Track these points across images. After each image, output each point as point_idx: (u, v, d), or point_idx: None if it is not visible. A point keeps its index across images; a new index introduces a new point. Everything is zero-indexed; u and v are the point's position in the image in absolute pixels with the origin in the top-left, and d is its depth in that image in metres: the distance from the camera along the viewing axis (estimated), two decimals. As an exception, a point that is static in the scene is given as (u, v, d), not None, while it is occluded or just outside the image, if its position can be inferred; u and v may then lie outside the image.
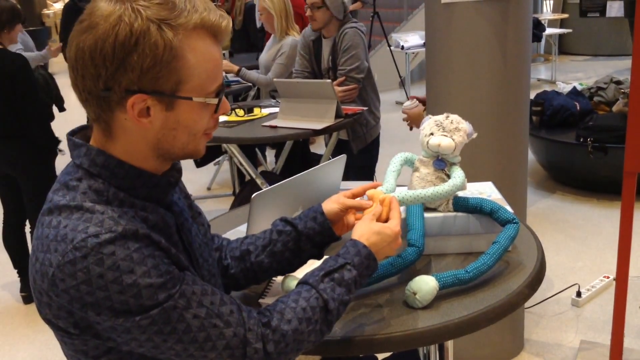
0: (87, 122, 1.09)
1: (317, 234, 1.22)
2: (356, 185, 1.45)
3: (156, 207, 1.02)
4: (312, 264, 1.39)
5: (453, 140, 1.39)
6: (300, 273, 1.34)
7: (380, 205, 1.19)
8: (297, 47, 3.70)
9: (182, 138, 0.99)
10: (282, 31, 3.83)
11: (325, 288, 1.05)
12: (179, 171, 1.09)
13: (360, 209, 1.23)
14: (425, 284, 1.21)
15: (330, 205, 1.24)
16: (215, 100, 0.99)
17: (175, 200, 1.11)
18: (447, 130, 1.40)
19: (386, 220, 1.18)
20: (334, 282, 1.06)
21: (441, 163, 1.41)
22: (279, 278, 1.35)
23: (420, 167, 1.44)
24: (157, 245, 0.94)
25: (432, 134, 1.41)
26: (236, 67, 3.89)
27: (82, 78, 0.95)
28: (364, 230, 1.14)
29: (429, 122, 1.43)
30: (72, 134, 1.04)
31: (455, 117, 1.42)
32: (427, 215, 1.42)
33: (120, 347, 0.95)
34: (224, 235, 1.35)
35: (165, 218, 1.03)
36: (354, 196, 1.26)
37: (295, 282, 1.22)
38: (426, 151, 1.43)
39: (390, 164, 1.46)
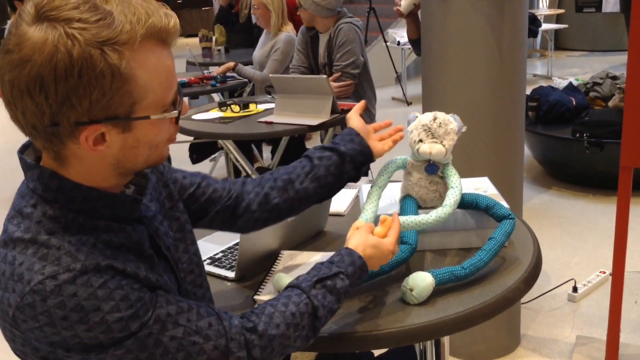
0: None
1: (359, 153, 1.28)
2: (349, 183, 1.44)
3: (122, 226, 0.95)
4: (311, 258, 1.39)
5: (444, 146, 1.35)
6: (296, 273, 1.34)
7: (379, 225, 1.18)
8: (293, 42, 3.70)
9: (143, 153, 0.92)
10: (277, 27, 3.83)
11: (317, 295, 1.04)
12: (144, 176, 1.04)
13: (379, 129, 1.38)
14: (421, 280, 1.21)
15: (355, 122, 1.33)
16: (175, 113, 0.92)
17: (147, 204, 1.05)
18: (437, 136, 1.35)
19: (384, 236, 1.17)
20: (326, 289, 1.05)
21: (434, 167, 1.38)
22: (275, 275, 1.35)
23: (412, 171, 1.41)
24: (123, 273, 0.88)
25: (421, 140, 1.36)
26: (232, 64, 3.88)
27: (22, 115, 0.85)
28: (360, 241, 1.13)
29: (417, 126, 1.37)
30: (22, 150, 0.95)
31: (443, 118, 1.36)
32: (421, 212, 1.41)
33: None
34: (216, 233, 1.33)
35: (132, 236, 0.96)
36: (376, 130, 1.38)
37: (287, 282, 1.21)
38: (416, 156, 1.40)
39: (379, 174, 1.41)
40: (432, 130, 1.35)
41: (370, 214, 1.32)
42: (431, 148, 1.34)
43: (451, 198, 1.33)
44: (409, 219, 1.29)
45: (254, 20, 5.66)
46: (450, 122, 1.36)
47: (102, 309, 0.84)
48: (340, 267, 1.08)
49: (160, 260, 1.02)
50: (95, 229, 0.91)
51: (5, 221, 0.92)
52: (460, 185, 1.36)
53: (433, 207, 1.42)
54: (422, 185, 1.40)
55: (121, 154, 0.90)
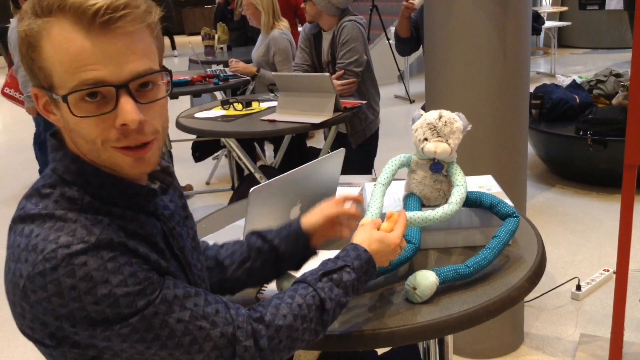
0: None
1: (298, 255, 1.22)
2: (354, 180, 1.44)
3: (136, 214, 0.95)
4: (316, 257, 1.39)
5: (449, 144, 1.34)
6: (298, 273, 1.34)
7: (384, 220, 1.19)
8: (286, 37, 3.69)
9: (83, 145, 0.90)
10: (269, 26, 3.82)
11: (323, 287, 1.04)
12: (171, 175, 1.05)
13: (346, 215, 1.24)
14: (425, 279, 1.20)
15: (312, 220, 1.23)
16: (66, 104, 0.85)
17: (167, 203, 1.06)
18: (442, 135, 1.34)
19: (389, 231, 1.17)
20: (332, 282, 1.05)
21: (438, 166, 1.38)
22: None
23: (416, 169, 1.41)
24: (134, 253, 0.88)
25: (426, 139, 1.35)
26: (254, 68, 3.85)
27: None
28: (365, 237, 1.13)
29: (422, 125, 1.37)
30: (53, 134, 0.98)
31: (448, 117, 1.35)
32: (425, 209, 1.41)
33: (101, 354, 0.90)
34: (221, 231, 1.33)
35: (146, 226, 0.96)
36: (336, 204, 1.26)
37: (291, 282, 1.21)
38: (421, 155, 1.39)
39: (383, 171, 1.42)
40: (438, 128, 1.34)
41: (375, 211, 1.32)
42: (436, 147, 1.33)
43: (457, 195, 1.32)
44: (416, 215, 1.29)
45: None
46: (456, 121, 1.35)
47: (110, 281, 0.84)
48: (345, 261, 1.07)
49: (172, 259, 1.01)
50: (110, 214, 0.92)
51: (23, 199, 0.93)
52: (466, 184, 1.35)
53: (437, 206, 1.42)
54: (427, 184, 1.39)
55: (71, 137, 0.91)
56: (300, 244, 1.21)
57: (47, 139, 0.96)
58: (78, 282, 0.83)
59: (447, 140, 1.34)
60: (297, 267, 1.25)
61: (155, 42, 0.92)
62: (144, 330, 0.87)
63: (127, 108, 0.85)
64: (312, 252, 1.24)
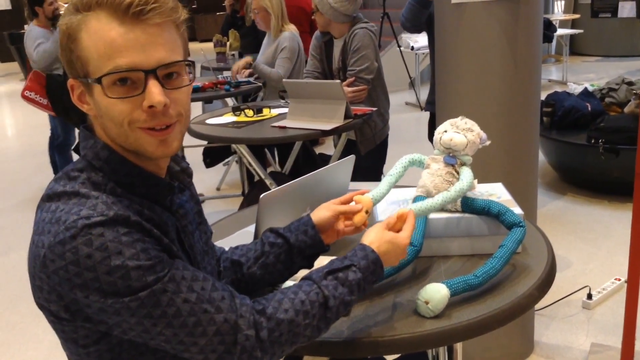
0: None
1: (309, 247, 1.24)
2: (363, 187, 1.44)
3: (153, 205, 1.02)
4: (325, 261, 1.39)
5: (465, 137, 1.42)
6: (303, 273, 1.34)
7: (395, 217, 1.20)
8: (297, 40, 3.70)
9: (112, 129, 0.97)
10: (278, 29, 3.84)
11: (328, 285, 1.05)
12: (189, 175, 1.10)
13: (351, 214, 1.27)
14: (436, 293, 1.19)
15: (321, 213, 1.26)
16: (101, 84, 0.94)
17: (183, 203, 1.10)
18: (461, 129, 1.43)
19: (398, 231, 1.18)
20: (337, 280, 1.06)
21: (452, 159, 1.43)
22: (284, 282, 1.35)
23: (431, 163, 1.46)
24: (148, 232, 0.94)
25: (445, 131, 1.45)
26: (249, 58, 3.87)
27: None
28: (374, 237, 1.14)
29: (444, 124, 1.47)
30: (84, 126, 1.05)
31: (469, 120, 1.46)
32: (432, 216, 1.41)
33: (111, 331, 0.95)
34: (231, 236, 1.34)
35: (161, 216, 1.02)
36: (342, 203, 1.29)
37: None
38: (439, 149, 1.46)
39: (394, 166, 1.47)
40: (457, 124, 1.45)
41: (377, 193, 1.37)
42: (453, 136, 1.42)
43: (457, 185, 1.38)
44: (418, 205, 1.34)
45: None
46: (476, 126, 1.45)
47: (123, 253, 0.89)
48: (352, 261, 1.08)
49: (182, 253, 1.05)
50: (131, 201, 0.98)
51: (52, 181, 1.00)
52: (471, 182, 1.38)
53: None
54: (439, 175, 1.43)
55: (102, 123, 0.98)
56: (309, 235, 1.24)
57: (80, 130, 1.04)
58: (94, 251, 0.88)
59: (464, 134, 1.42)
60: (309, 263, 1.27)
61: (181, 39, 1.01)
62: (152, 305, 0.91)
63: (155, 91, 0.94)
64: (323, 248, 1.26)
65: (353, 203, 1.29)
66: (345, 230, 1.29)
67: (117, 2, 0.92)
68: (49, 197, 0.96)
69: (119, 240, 0.90)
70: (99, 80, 0.93)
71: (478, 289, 1.27)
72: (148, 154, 0.99)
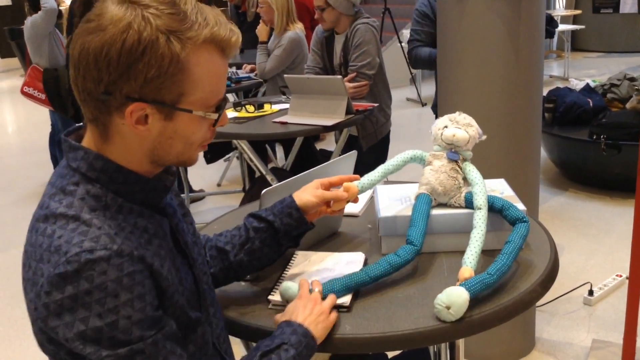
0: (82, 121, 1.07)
1: (294, 228, 1.26)
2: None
3: (152, 213, 1.01)
4: (325, 258, 1.39)
5: (467, 132, 1.42)
6: (309, 274, 1.34)
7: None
8: (299, 41, 3.69)
9: (178, 147, 0.99)
10: (282, 27, 3.82)
11: None
12: (173, 174, 1.09)
13: (337, 200, 1.31)
14: (458, 297, 1.15)
15: (305, 198, 1.28)
16: (215, 115, 1.00)
17: (169, 201, 1.11)
18: (461, 124, 1.43)
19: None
20: None
21: (455, 154, 1.43)
22: (288, 274, 1.35)
23: (433, 160, 1.45)
24: (150, 268, 0.93)
25: (446, 127, 1.44)
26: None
27: (82, 78, 0.93)
28: (297, 311, 1.13)
29: (442, 119, 1.46)
30: (67, 134, 1.02)
31: (467, 115, 1.45)
32: (434, 212, 1.40)
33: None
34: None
35: (162, 225, 1.02)
36: (331, 185, 1.33)
37: (295, 289, 1.21)
38: (440, 145, 1.44)
39: (394, 157, 1.47)
40: (456, 119, 1.44)
41: (368, 180, 1.39)
42: (455, 131, 1.41)
43: (481, 196, 1.36)
44: (474, 239, 1.28)
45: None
46: (473, 121, 1.44)
47: (120, 297, 0.88)
48: (282, 339, 1.07)
49: (178, 255, 1.06)
50: (132, 211, 0.98)
51: (46, 198, 0.96)
52: (483, 181, 1.38)
53: (446, 202, 1.43)
54: (443, 171, 1.42)
55: (158, 141, 0.97)
56: (294, 217, 1.26)
57: (63, 140, 1.00)
58: (94, 288, 0.87)
59: (465, 129, 1.42)
60: (295, 243, 1.29)
61: None
62: None
63: (226, 113, 1.02)
64: (308, 227, 1.28)
65: (341, 188, 1.32)
66: (327, 211, 1.32)
67: (226, 38, 0.96)
68: (46, 217, 0.93)
69: (120, 281, 0.88)
70: (218, 109, 0.99)
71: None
72: (188, 164, 1.03)
